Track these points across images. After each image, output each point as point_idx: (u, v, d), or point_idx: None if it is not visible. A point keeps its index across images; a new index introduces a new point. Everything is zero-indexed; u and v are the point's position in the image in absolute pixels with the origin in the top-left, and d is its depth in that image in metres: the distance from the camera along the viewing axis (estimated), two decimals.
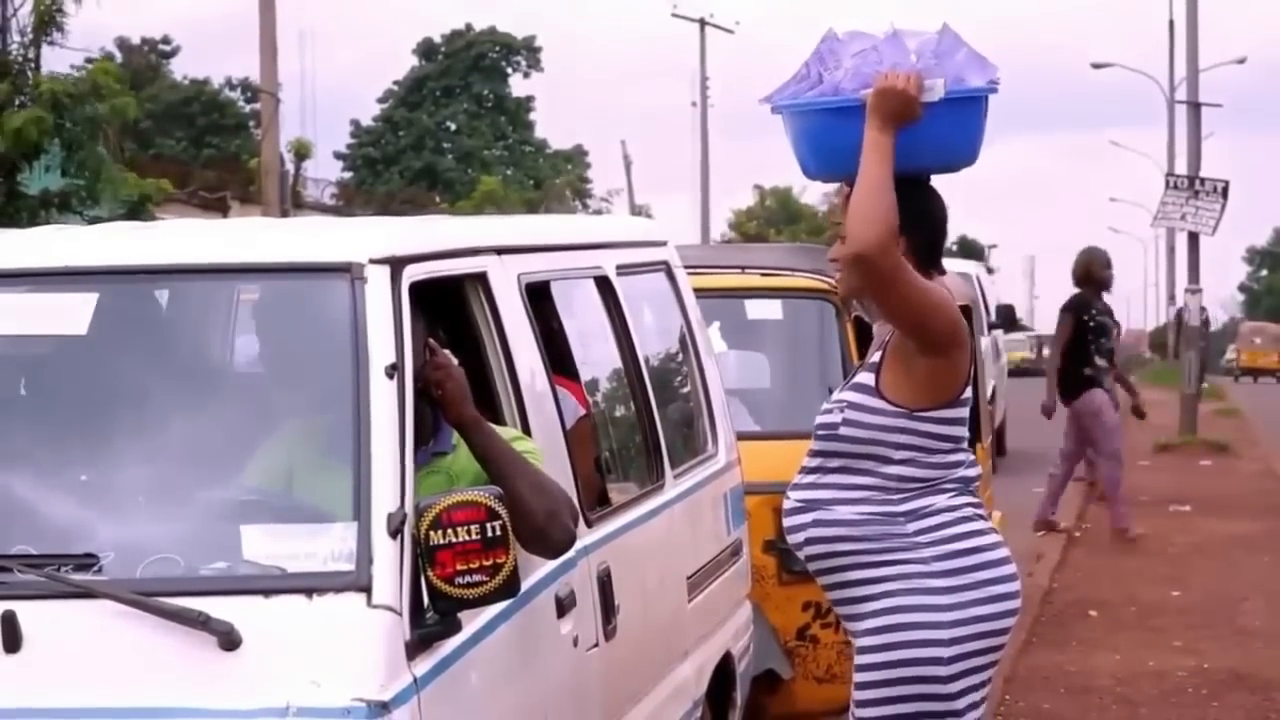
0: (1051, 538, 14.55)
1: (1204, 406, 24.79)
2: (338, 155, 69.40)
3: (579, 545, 4.69)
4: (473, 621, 4.09)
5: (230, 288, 4.85)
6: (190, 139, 60.52)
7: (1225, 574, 12.83)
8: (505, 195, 48.19)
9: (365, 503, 3.88)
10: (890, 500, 4.54)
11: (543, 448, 4.57)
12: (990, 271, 55.65)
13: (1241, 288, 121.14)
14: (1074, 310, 14.05)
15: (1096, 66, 47.26)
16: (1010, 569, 4.62)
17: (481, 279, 4.75)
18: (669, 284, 6.51)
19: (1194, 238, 24.38)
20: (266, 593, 3.80)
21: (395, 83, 71.69)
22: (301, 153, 35.29)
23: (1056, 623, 11.05)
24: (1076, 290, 14.32)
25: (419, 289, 4.30)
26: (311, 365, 4.28)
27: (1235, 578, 12.65)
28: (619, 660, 5.07)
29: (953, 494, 4.58)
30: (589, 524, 4.96)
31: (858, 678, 4.58)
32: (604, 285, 5.79)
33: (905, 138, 4.41)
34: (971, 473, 4.63)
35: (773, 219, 70.45)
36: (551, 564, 4.54)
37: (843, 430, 4.56)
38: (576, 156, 71.43)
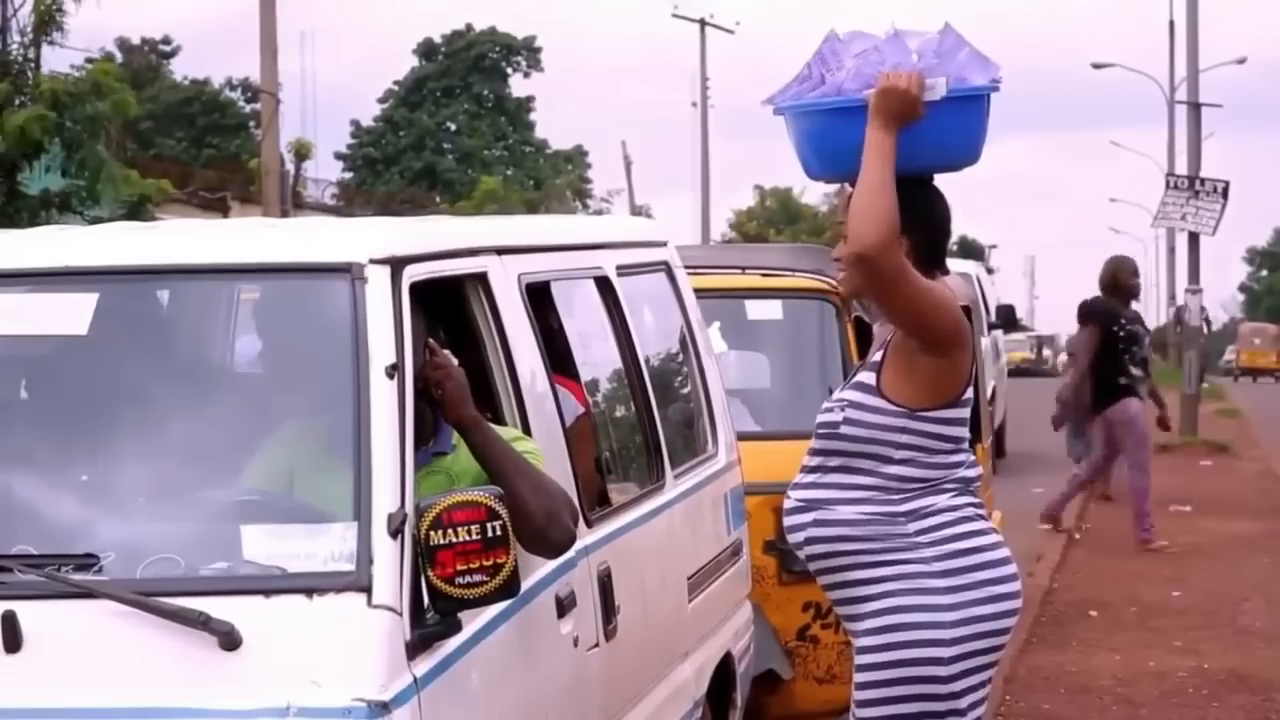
0: (1052, 538, 14.54)
1: (1204, 407, 24.80)
2: (338, 155, 69.44)
3: (579, 545, 4.70)
4: (473, 621, 4.09)
5: (230, 288, 4.86)
6: (190, 139, 60.50)
7: (1226, 574, 12.83)
8: (505, 195, 48.18)
9: (365, 503, 3.88)
10: (891, 500, 4.54)
11: (543, 448, 4.57)
12: (990, 272, 55.67)
13: (1242, 288, 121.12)
14: (1101, 319, 13.83)
15: (1096, 66, 47.26)
16: (1011, 569, 4.62)
17: (482, 279, 4.75)
18: (669, 284, 6.51)
19: (1194, 238, 24.39)
20: (267, 593, 3.80)
21: (395, 83, 71.70)
22: (302, 153, 35.25)
23: (1057, 623, 11.05)
24: (1099, 296, 14.10)
25: (419, 289, 4.30)
26: (312, 365, 4.28)
27: (1235, 578, 12.65)
28: (619, 660, 5.06)
29: (954, 494, 4.58)
30: (589, 524, 4.96)
31: (858, 678, 4.58)
32: (604, 285, 5.79)
33: (907, 137, 4.41)
34: (972, 473, 4.63)
35: (773, 219, 70.46)
36: (552, 564, 4.54)
37: (844, 429, 4.56)
38: (577, 157, 71.41)
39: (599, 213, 54.01)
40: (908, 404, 4.53)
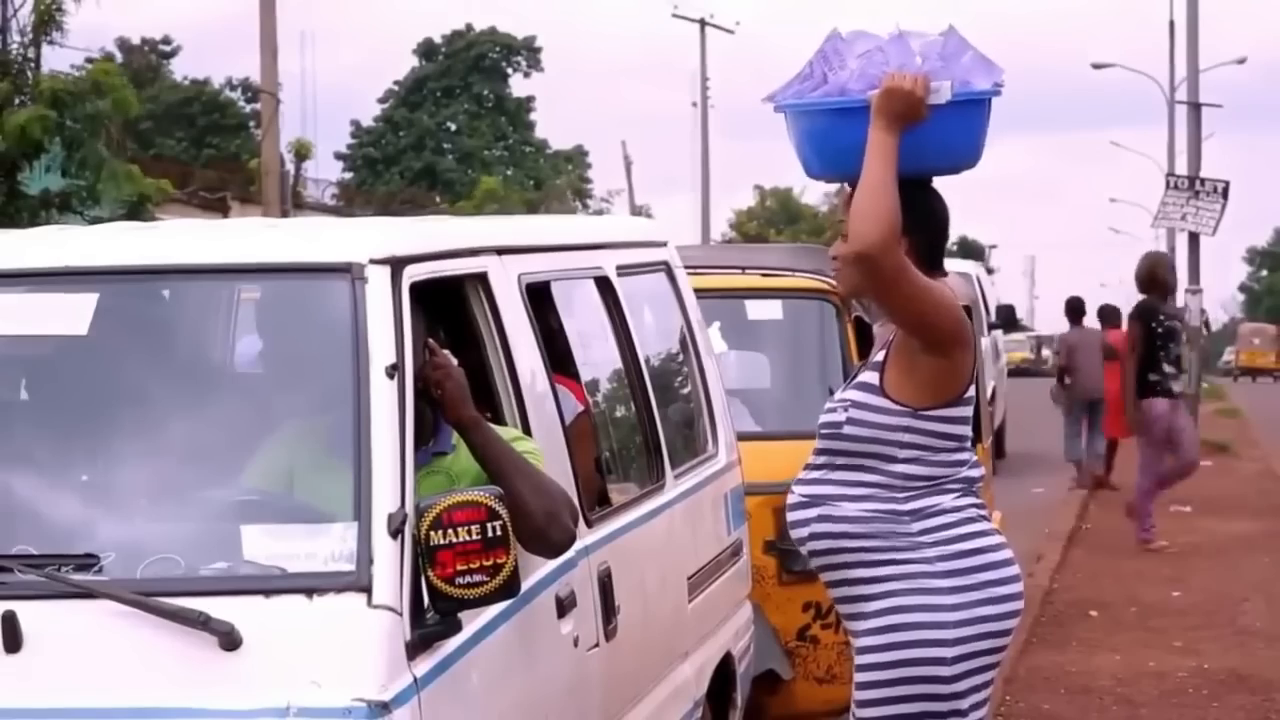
0: (1052, 538, 14.54)
1: (1204, 407, 24.79)
2: (338, 155, 69.43)
3: (579, 545, 4.70)
4: (473, 621, 4.09)
5: (231, 288, 4.86)
6: (190, 139, 60.50)
7: (1225, 574, 12.84)
8: (505, 195, 48.18)
9: (366, 503, 3.88)
10: (895, 499, 4.54)
11: (543, 448, 4.57)
12: (990, 272, 55.66)
13: (1242, 288, 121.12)
14: (1142, 317, 13.81)
15: (1096, 67, 47.23)
16: (1013, 570, 4.62)
17: (482, 279, 4.75)
18: (669, 284, 6.51)
19: (1194, 238, 24.39)
20: (267, 593, 3.80)
21: (396, 83, 71.70)
22: (302, 153, 35.27)
23: (1057, 623, 11.05)
24: (1142, 296, 14.05)
25: (419, 289, 4.30)
26: (312, 365, 4.28)
27: (1235, 578, 12.65)
28: (619, 660, 5.06)
29: (958, 494, 4.58)
30: (589, 524, 4.96)
31: (859, 677, 4.57)
32: (604, 285, 5.79)
33: (910, 139, 4.41)
34: (975, 473, 4.63)
35: (773, 219, 70.46)
36: (552, 564, 4.54)
37: (846, 429, 4.56)
38: (577, 157, 71.41)
39: (599, 213, 54.01)
40: (910, 403, 4.53)
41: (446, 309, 4.68)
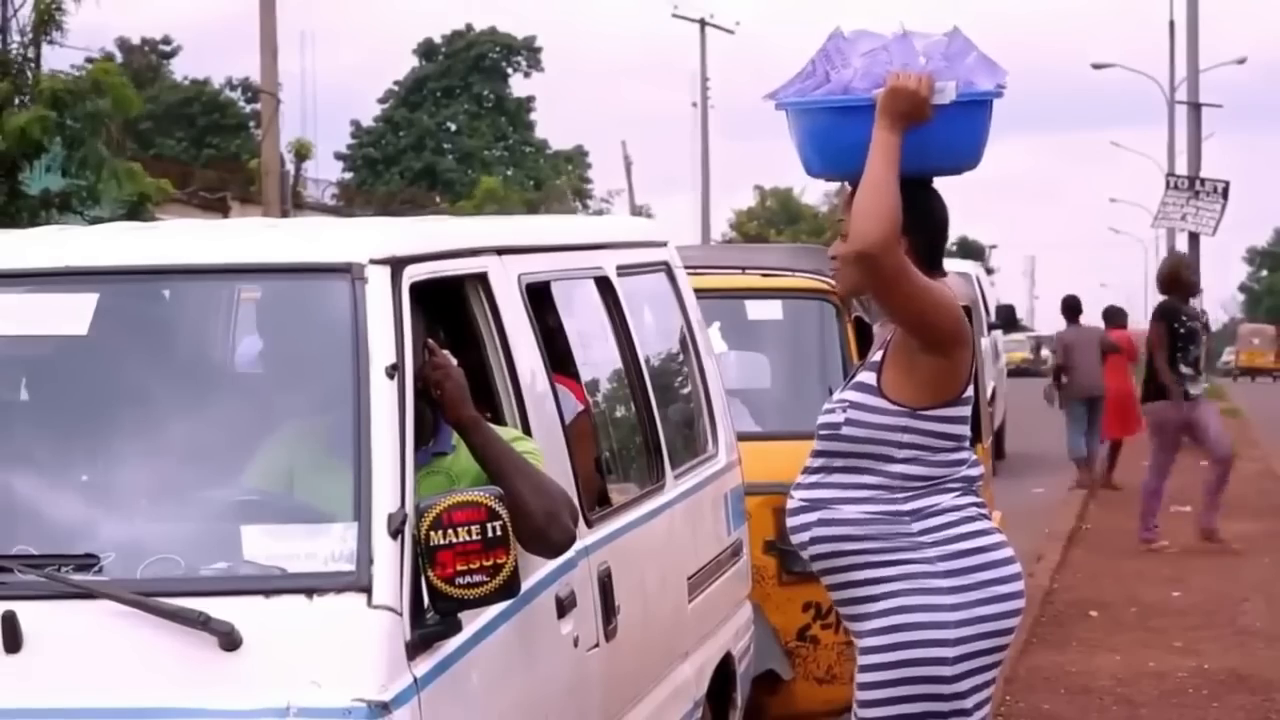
0: (1052, 539, 14.54)
1: None
2: (338, 155, 69.43)
3: (579, 545, 4.69)
4: (473, 622, 4.09)
5: (231, 288, 4.86)
6: (190, 139, 60.51)
7: (1225, 574, 12.84)
8: (506, 196, 48.18)
9: (365, 503, 3.88)
10: (895, 499, 4.54)
11: (543, 447, 4.57)
12: (990, 272, 55.67)
13: (1242, 288, 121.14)
14: (1165, 317, 13.78)
15: (1096, 67, 47.24)
16: (1014, 569, 4.62)
17: (482, 279, 4.74)
18: (669, 284, 6.51)
19: (1194, 238, 24.40)
20: (267, 593, 3.79)
21: (396, 83, 71.71)
22: (302, 153, 35.27)
23: (1057, 623, 11.06)
24: (1163, 297, 14.03)
25: (419, 289, 4.30)
26: (312, 365, 4.28)
27: (1235, 578, 12.65)
28: (619, 660, 5.06)
29: (957, 494, 4.58)
30: (589, 524, 4.96)
31: (861, 678, 4.57)
32: (604, 286, 5.79)
33: (913, 139, 4.41)
34: (974, 472, 4.63)
35: (773, 219, 70.48)
36: (552, 564, 4.54)
37: (845, 430, 4.55)
38: (577, 157, 71.43)
39: (599, 213, 54.02)
40: (909, 403, 4.52)
41: (446, 309, 4.68)
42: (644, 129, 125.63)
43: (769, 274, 8.12)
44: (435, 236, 4.75)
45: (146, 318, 4.46)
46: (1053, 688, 9.24)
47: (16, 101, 16.19)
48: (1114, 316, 20.32)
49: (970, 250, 78.90)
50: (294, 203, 30.22)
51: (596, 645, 4.89)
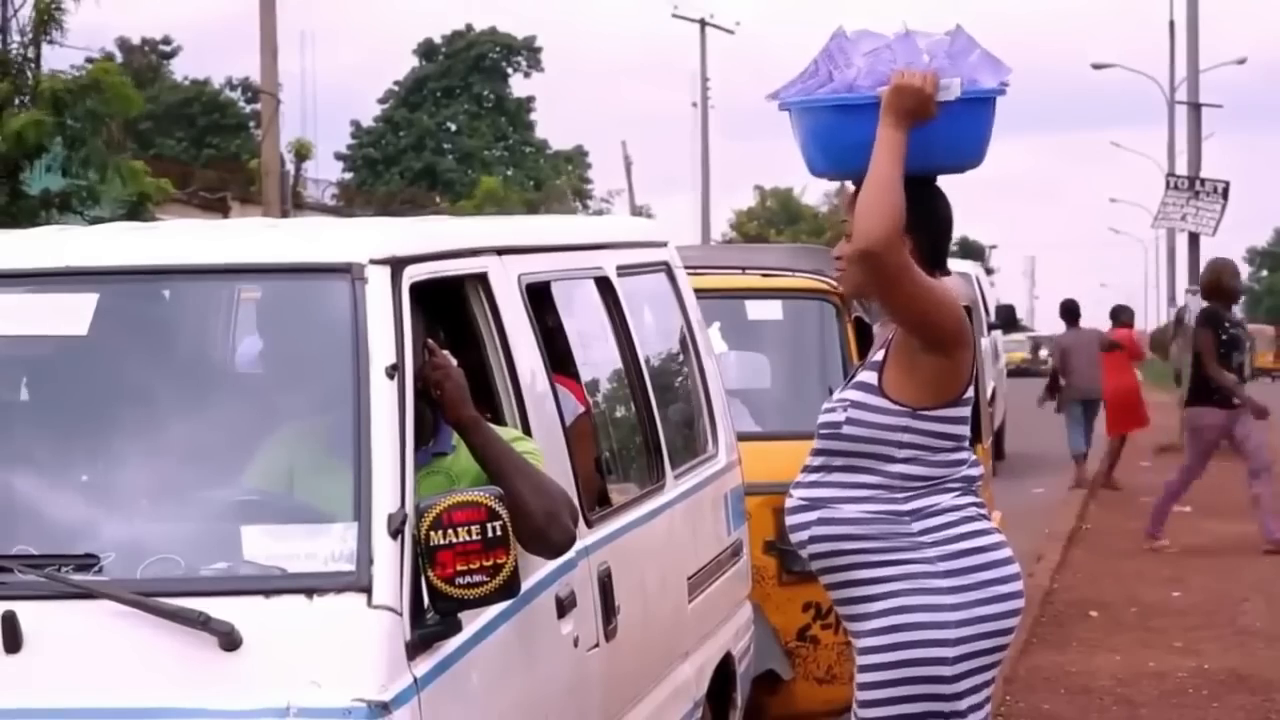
0: (1052, 539, 14.54)
1: None
2: (338, 156, 69.45)
3: (579, 545, 4.69)
4: (473, 622, 4.09)
5: (231, 288, 4.86)
6: (191, 139, 60.51)
7: (1225, 575, 12.84)
8: (506, 196, 48.18)
9: (366, 503, 3.88)
10: (895, 499, 4.54)
11: (543, 448, 4.57)
12: (989, 272, 55.65)
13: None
14: (1210, 323, 13.69)
15: (1096, 67, 47.22)
16: (1014, 569, 4.62)
17: (482, 279, 4.74)
18: (669, 284, 6.51)
19: (1194, 238, 24.39)
20: (267, 593, 3.79)
21: (396, 83, 71.72)
22: (302, 153, 35.27)
23: (1057, 623, 11.06)
24: (1206, 303, 13.95)
25: (419, 289, 4.30)
26: (312, 365, 4.28)
27: (1235, 578, 12.65)
28: (619, 661, 5.06)
29: (957, 494, 4.57)
30: (589, 524, 4.96)
31: (861, 678, 4.57)
32: (604, 286, 5.79)
33: (917, 137, 4.41)
34: (974, 472, 4.63)
35: (773, 219, 70.46)
36: (552, 564, 4.54)
37: (846, 429, 4.55)
38: (577, 157, 71.44)
39: (599, 213, 54.02)
40: (910, 403, 4.52)
41: (446, 309, 4.68)
42: (644, 129, 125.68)
43: (769, 274, 8.12)
44: (435, 236, 4.75)
45: (146, 318, 4.46)
46: (1053, 688, 9.24)
47: (16, 102, 16.18)
48: (1119, 314, 20.40)
49: (970, 250, 78.94)
50: (294, 203, 30.22)
51: (596, 645, 4.89)
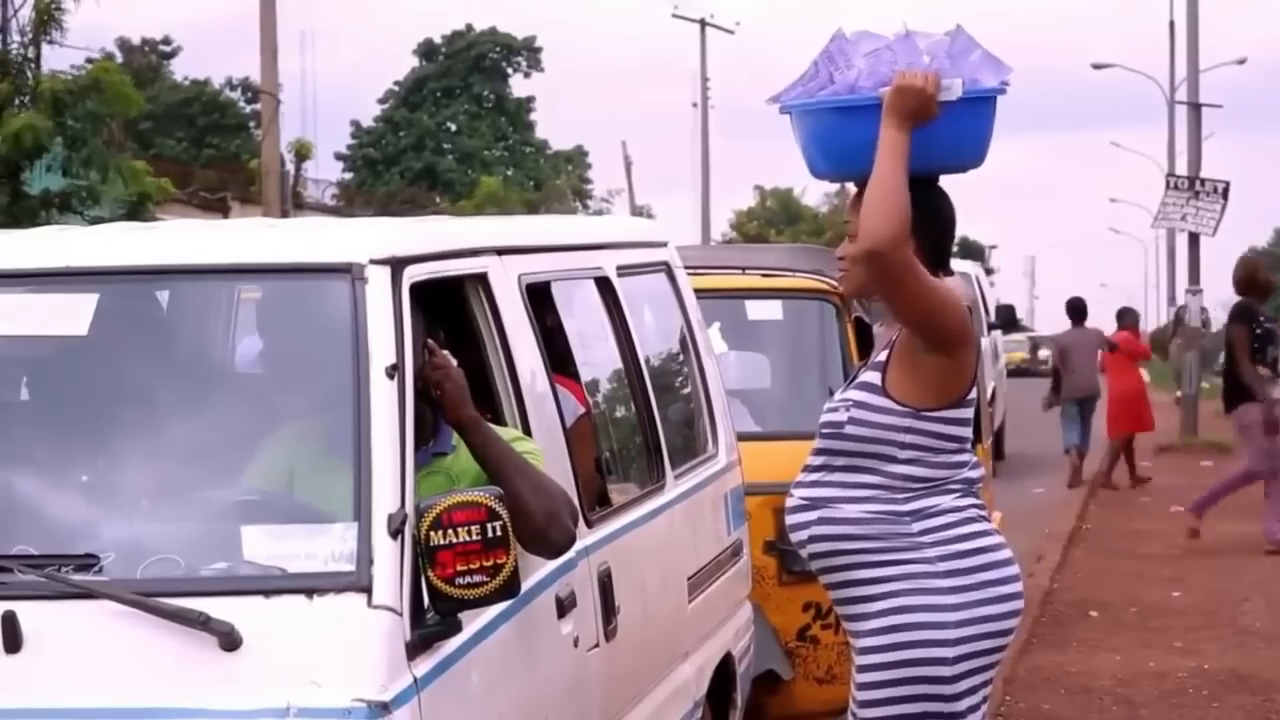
0: (1052, 539, 14.54)
1: (1204, 407, 24.80)
2: (338, 156, 69.44)
3: (579, 545, 4.69)
4: (473, 622, 4.08)
5: (231, 288, 4.86)
6: (191, 139, 60.50)
7: (1225, 575, 12.83)
8: (506, 196, 48.18)
9: (366, 503, 3.88)
10: (896, 500, 4.54)
11: (543, 448, 4.57)
12: (989, 273, 55.65)
13: None
14: (1243, 318, 13.63)
15: (1097, 67, 47.22)
16: (1014, 570, 4.62)
17: (482, 279, 4.74)
18: (669, 284, 6.51)
19: (1194, 238, 24.40)
20: (267, 593, 3.79)
21: (396, 83, 71.71)
22: (302, 153, 35.27)
23: (1057, 623, 11.05)
24: (1240, 298, 13.86)
25: (419, 289, 4.30)
26: (312, 366, 4.28)
27: (1235, 578, 12.65)
28: (619, 661, 5.06)
29: (958, 495, 4.57)
30: (589, 524, 4.96)
31: (860, 678, 4.57)
32: (604, 286, 5.79)
33: (918, 138, 4.41)
34: (976, 474, 4.63)
35: (773, 220, 70.46)
36: (552, 564, 4.54)
37: (848, 429, 4.55)
38: (577, 157, 71.44)
39: (599, 213, 54.03)
40: (913, 404, 4.52)
41: (446, 309, 4.68)
42: (644, 129, 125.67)
43: (769, 274, 8.12)
44: (435, 236, 4.75)
45: (146, 318, 4.46)
46: (1053, 688, 9.24)
47: (16, 102, 16.19)
48: (1123, 316, 20.44)
49: (970, 250, 78.90)
50: (294, 203, 30.20)
51: (596, 645, 4.89)
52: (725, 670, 6.28)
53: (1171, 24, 37.56)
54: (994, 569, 4.56)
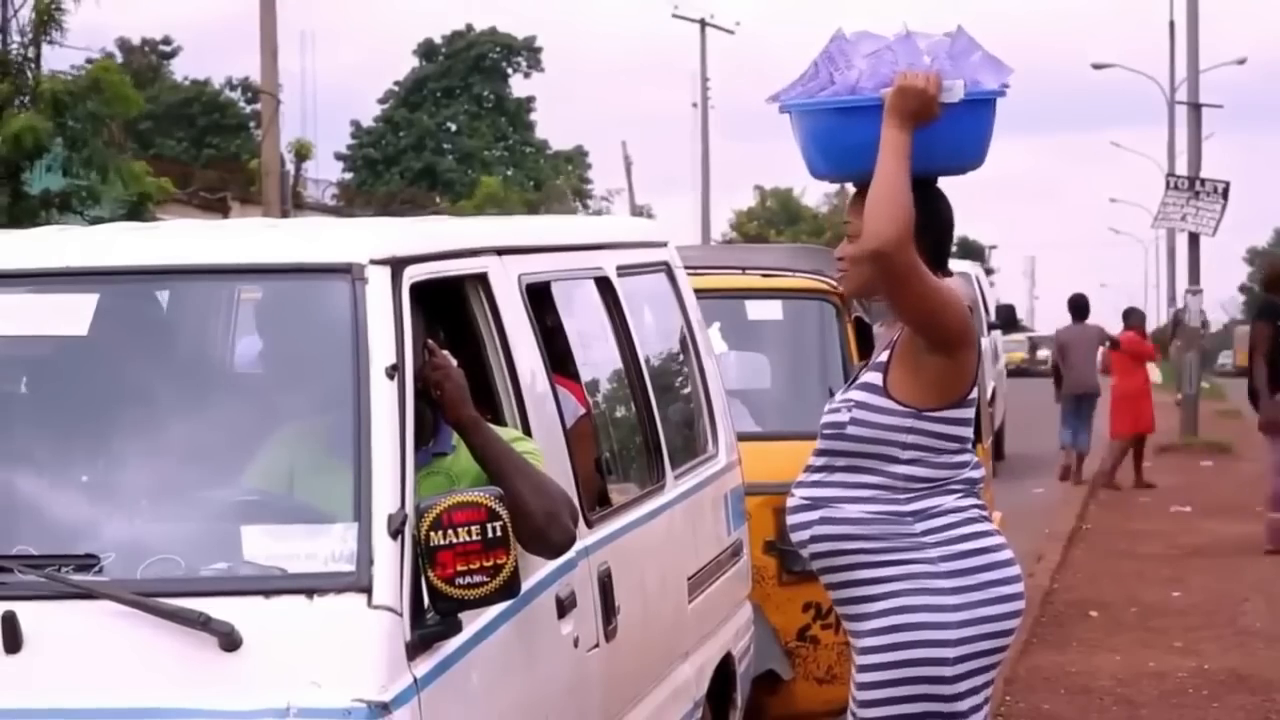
0: (1052, 539, 14.54)
1: (1204, 407, 24.83)
2: (338, 156, 69.40)
3: (579, 546, 4.69)
4: (473, 622, 4.08)
5: (231, 288, 4.86)
6: (191, 139, 60.48)
7: (1225, 575, 12.84)
8: (506, 196, 48.17)
9: (366, 503, 3.88)
10: (897, 500, 4.54)
11: (543, 448, 4.57)
12: (989, 273, 55.64)
13: (1242, 288, 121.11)
14: (1267, 315, 13.60)
15: (1097, 67, 47.22)
16: (1015, 570, 4.62)
17: (482, 279, 4.74)
18: (669, 284, 6.51)
19: (1194, 238, 24.41)
20: (267, 593, 3.79)
21: (396, 83, 71.67)
22: (302, 153, 35.28)
23: (1057, 623, 11.06)
24: (1267, 297, 13.88)
25: (419, 289, 4.30)
26: (312, 366, 4.28)
27: (1235, 579, 12.65)
28: (619, 661, 5.06)
29: (960, 495, 4.58)
30: (589, 524, 4.96)
31: (860, 678, 4.57)
32: (604, 286, 5.79)
33: (919, 139, 4.41)
34: (977, 474, 4.63)
35: (773, 220, 70.45)
36: (552, 564, 4.54)
37: (850, 429, 4.55)
38: (577, 157, 71.41)
39: (599, 213, 54.02)
40: (915, 404, 4.52)
41: (446, 309, 4.68)
42: (644, 129, 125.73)
43: (769, 274, 8.12)
44: (435, 237, 4.75)
45: (146, 318, 4.46)
46: (1053, 688, 9.24)
47: (16, 103, 16.19)
48: (1129, 316, 20.47)
49: (970, 250, 78.86)
50: (294, 203, 30.21)
51: (596, 645, 4.89)
52: (725, 670, 6.28)
53: (1171, 24, 37.57)
54: (996, 569, 4.57)
